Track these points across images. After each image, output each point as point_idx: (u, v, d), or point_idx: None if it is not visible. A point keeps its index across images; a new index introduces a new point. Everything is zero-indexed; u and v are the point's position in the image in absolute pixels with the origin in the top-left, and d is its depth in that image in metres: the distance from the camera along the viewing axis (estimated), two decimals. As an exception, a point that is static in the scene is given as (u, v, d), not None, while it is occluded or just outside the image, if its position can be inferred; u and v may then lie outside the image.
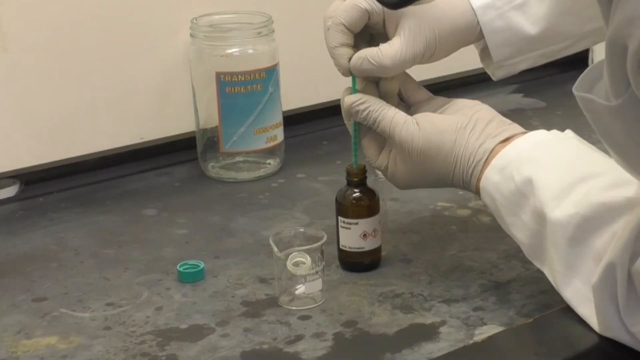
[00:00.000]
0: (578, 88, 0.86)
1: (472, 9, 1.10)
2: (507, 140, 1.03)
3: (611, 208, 0.93)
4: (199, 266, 1.10)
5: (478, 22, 1.10)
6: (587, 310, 0.94)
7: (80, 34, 1.32)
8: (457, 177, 1.04)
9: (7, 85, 1.28)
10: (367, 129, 1.08)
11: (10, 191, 1.33)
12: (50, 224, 1.25)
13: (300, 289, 1.02)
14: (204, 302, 1.05)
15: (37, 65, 1.30)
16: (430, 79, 1.39)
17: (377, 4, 1.05)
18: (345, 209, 1.09)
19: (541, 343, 0.96)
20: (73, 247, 1.19)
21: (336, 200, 1.10)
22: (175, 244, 1.18)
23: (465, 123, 1.05)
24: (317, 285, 1.03)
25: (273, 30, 1.35)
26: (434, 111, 1.09)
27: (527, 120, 1.53)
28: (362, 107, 1.06)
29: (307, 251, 1.02)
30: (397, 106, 1.08)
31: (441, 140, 1.04)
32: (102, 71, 1.34)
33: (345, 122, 1.10)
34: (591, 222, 0.94)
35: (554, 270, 0.97)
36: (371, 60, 1.05)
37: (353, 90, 1.07)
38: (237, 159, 1.38)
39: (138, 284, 1.09)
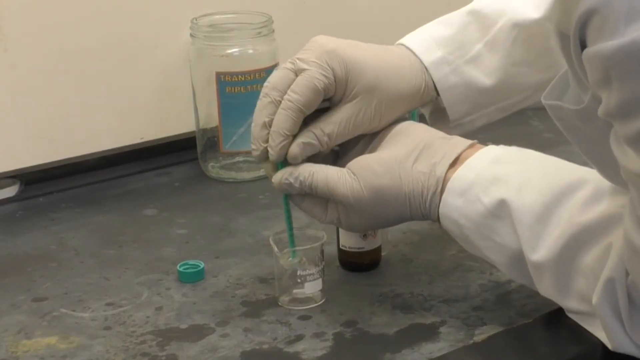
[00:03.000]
0: (547, 97, 0.84)
1: (424, 66, 1.06)
2: (455, 161, 0.98)
3: (596, 226, 0.90)
4: (199, 266, 1.10)
5: (431, 79, 1.06)
6: (593, 328, 0.92)
7: (80, 34, 1.32)
8: (415, 212, 0.99)
9: (7, 85, 1.28)
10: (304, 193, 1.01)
11: (10, 191, 1.33)
12: (50, 224, 1.25)
13: (300, 289, 1.02)
14: (204, 302, 1.05)
15: (37, 65, 1.30)
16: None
17: (330, 75, 0.98)
18: (345, 209, 1.09)
19: (541, 343, 0.96)
20: (73, 247, 1.19)
21: (336, 200, 1.10)
22: (175, 244, 1.18)
23: (405, 155, 0.99)
24: (317, 285, 1.03)
25: (273, 30, 1.35)
26: (365, 149, 1.03)
27: (527, 120, 1.53)
28: (292, 179, 0.99)
29: (307, 251, 1.02)
30: (327, 154, 1.03)
31: (385, 184, 0.98)
32: (102, 71, 1.34)
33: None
34: (578, 240, 0.91)
35: (545, 290, 0.95)
36: (312, 141, 0.99)
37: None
38: (237, 159, 1.38)
39: (138, 284, 1.09)
